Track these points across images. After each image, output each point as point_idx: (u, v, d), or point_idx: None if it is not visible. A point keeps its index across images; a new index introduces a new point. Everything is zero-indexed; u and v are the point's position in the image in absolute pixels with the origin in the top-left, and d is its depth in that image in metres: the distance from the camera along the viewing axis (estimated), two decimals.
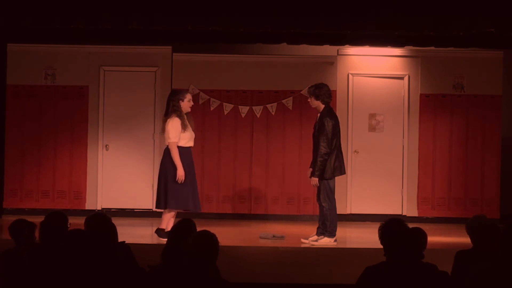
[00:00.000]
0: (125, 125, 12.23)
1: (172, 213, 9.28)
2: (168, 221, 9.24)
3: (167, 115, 9.31)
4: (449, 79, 12.27)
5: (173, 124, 9.21)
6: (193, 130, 9.38)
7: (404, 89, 12.32)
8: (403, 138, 12.30)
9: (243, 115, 12.17)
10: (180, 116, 9.24)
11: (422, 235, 4.92)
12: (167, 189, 9.22)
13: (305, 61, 12.20)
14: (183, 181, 9.13)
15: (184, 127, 9.22)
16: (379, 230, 5.21)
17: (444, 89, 12.27)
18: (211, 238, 4.61)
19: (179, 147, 9.22)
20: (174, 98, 9.32)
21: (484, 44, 10.89)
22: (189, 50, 12.06)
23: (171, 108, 9.30)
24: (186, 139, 9.28)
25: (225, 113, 12.14)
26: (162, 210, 9.43)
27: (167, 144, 9.30)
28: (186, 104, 9.31)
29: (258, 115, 12.13)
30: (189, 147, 9.34)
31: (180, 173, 9.13)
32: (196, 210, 9.34)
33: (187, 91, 9.53)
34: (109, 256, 5.27)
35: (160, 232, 9.20)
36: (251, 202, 12.13)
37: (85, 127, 12.20)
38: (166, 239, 8.90)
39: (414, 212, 12.17)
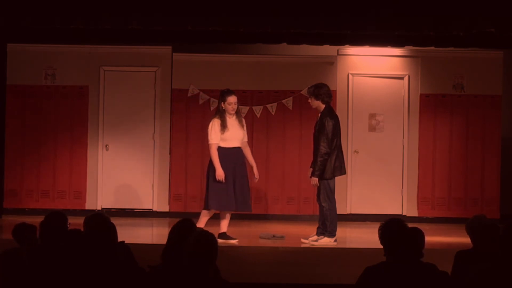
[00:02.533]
0: (125, 125, 12.23)
1: (223, 213, 9.30)
2: (203, 217, 9.31)
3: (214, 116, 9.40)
4: (449, 79, 12.26)
5: (212, 126, 9.28)
6: (243, 129, 9.35)
7: (404, 89, 12.32)
8: (403, 138, 12.30)
9: (243, 115, 12.15)
10: (221, 117, 9.27)
11: (420, 235, 4.91)
12: (207, 189, 9.31)
13: (305, 61, 12.20)
14: (222, 180, 9.14)
15: (223, 129, 9.22)
16: (379, 230, 5.21)
17: (444, 89, 12.27)
18: (211, 238, 4.61)
19: (221, 147, 9.25)
20: (219, 99, 9.38)
21: (484, 44, 10.89)
22: (189, 50, 12.06)
23: (216, 109, 9.42)
24: (227, 140, 9.26)
25: None
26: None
27: None
28: (227, 106, 9.29)
29: (258, 115, 12.13)
30: (232, 148, 9.29)
31: (218, 173, 9.16)
32: (235, 209, 9.32)
33: (231, 93, 9.36)
34: (109, 256, 5.27)
35: (220, 235, 9.23)
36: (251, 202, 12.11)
37: (85, 127, 12.20)
38: (232, 240, 9.01)
39: (414, 212, 12.17)
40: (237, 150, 9.35)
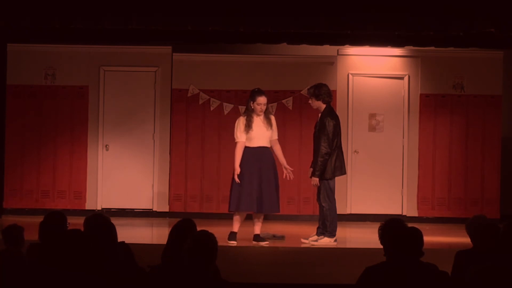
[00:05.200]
0: (125, 125, 12.23)
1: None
2: (234, 222, 9.29)
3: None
4: (449, 79, 12.27)
5: (238, 124, 9.27)
6: (270, 129, 9.25)
7: (404, 89, 12.32)
8: (403, 138, 12.30)
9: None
10: (247, 116, 9.23)
11: (419, 235, 4.91)
12: (231, 191, 9.28)
13: (305, 61, 12.20)
14: (236, 178, 9.12)
15: (248, 128, 9.18)
16: (379, 230, 5.21)
17: (444, 89, 12.28)
18: (211, 238, 4.61)
19: (246, 147, 9.21)
20: (249, 98, 9.34)
21: (484, 44, 10.89)
22: (189, 50, 12.06)
23: (246, 107, 9.37)
24: (251, 139, 9.20)
25: (225, 113, 12.13)
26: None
27: None
28: (255, 106, 9.23)
29: None
30: (257, 147, 9.21)
31: (235, 169, 9.14)
32: (256, 211, 9.25)
33: (261, 93, 9.29)
34: (109, 256, 5.27)
35: (256, 237, 9.23)
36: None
37: (85, 127, 12.20)
38: (262, 242, 9.01)
39: (414, 212, 12.17)
40: (263, 150, 9.27)
